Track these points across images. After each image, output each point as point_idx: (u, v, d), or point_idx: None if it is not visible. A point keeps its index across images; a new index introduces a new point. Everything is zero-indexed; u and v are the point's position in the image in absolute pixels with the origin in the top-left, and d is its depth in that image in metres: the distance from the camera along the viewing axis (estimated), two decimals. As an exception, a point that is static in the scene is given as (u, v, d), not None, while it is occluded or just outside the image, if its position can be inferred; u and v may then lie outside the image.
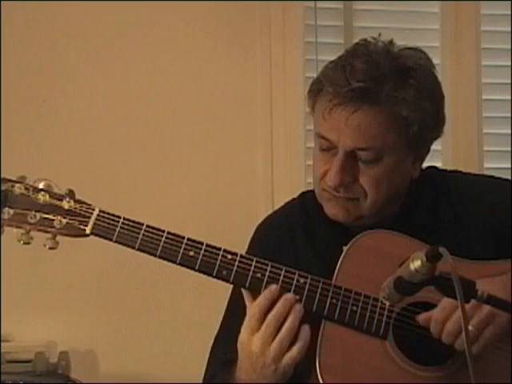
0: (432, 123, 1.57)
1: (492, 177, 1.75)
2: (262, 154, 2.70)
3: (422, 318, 1.46)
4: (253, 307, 1.47)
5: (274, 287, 1.47)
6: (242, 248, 1.62)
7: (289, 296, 1.47)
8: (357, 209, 1.58)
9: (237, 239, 1.67)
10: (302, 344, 1.45)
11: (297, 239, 1.67)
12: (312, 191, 1.72)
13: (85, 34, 2.64)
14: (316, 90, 1.57)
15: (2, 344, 2.39)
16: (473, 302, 1.33)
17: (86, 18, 2.64)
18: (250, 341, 1.46)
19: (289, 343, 1.45)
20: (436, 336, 1.45)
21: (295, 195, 1.78)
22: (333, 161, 1.55)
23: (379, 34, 1.61)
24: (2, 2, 2.55)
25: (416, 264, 1.23)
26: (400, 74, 1.53)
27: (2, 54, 2.55)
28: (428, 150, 1.63)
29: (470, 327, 1.39)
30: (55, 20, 2.63)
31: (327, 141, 1.55)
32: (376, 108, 1.51)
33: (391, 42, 1.59)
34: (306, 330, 1.46)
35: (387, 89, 1.51)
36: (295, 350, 1.45)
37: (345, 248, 1.55)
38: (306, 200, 1.72)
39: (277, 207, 1.83)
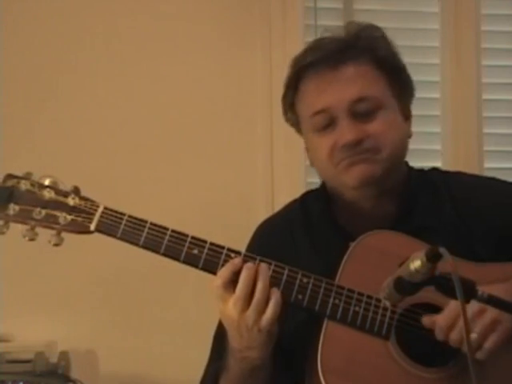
0: (404, 68, 1.65)
1: (494, 179, 1.75)
2: (262, 153, 2.70)
3: (425, 320, 1.45)
4: (216, 278, 1.47)
5: (236, 260, 1.48)
6: (241, 248, 1.61)
7: (249, 265, 1.47)
8: (374, 167, 1.57)
9: (236, 239, 1.66)
10: (274, 302, 1.45)
11: (298, 240, 1.67)
12: (314, 191, 1.72)
13: (84, 33, 2.64)
14: (294, 86, 1.67)
15: (2, 344, 2.39)
16: (476, 306, 1.34)
17: (86, 17, 2.64)
18: (226, 309, 1.46)
19: (264, 304, 1.45)
20: (441, 340, 1.44)
21: (295, 195, 1.78)
22: (335, 133, 1.57)
23: None
24: (1, 1, 2.55)
25: (416, 264, 1.22)
26: (366, 32, 1.63)
27: (2, 54, 2.54)
28: (410, 111, 1.67)
29: (473, 334, 1.38)
30: (56, 20, 2.62)
31: (323, 112, 1.58)
32: (359, 60, 1.59)
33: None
34: (275, 290, 1.47)
35: (361, 42, 1.60)
36: (269, 310, 1.45)
37: (348, 248, 1.54)
38: (308, 201, 1.72)
39: (277, 207, 1.83)
